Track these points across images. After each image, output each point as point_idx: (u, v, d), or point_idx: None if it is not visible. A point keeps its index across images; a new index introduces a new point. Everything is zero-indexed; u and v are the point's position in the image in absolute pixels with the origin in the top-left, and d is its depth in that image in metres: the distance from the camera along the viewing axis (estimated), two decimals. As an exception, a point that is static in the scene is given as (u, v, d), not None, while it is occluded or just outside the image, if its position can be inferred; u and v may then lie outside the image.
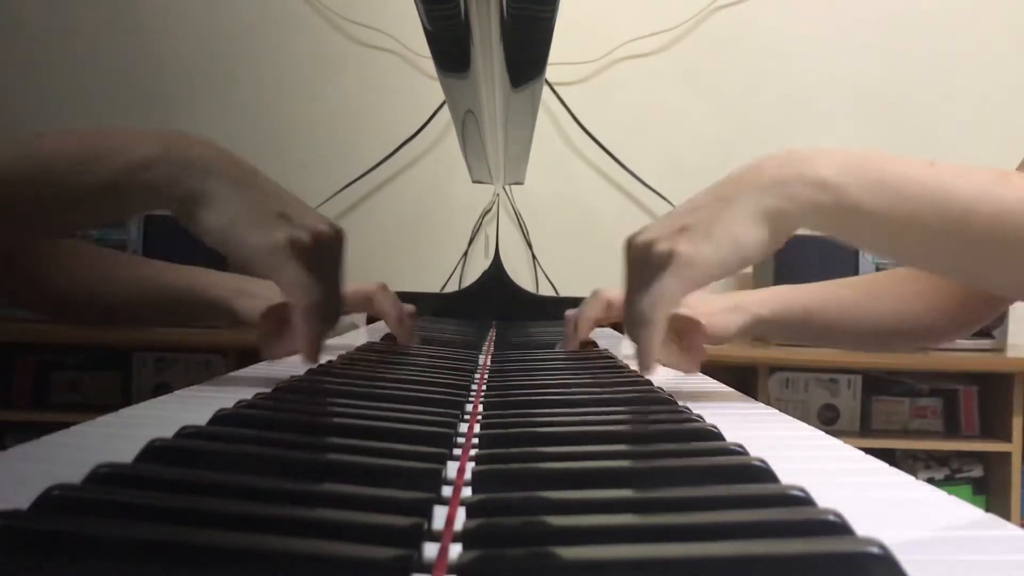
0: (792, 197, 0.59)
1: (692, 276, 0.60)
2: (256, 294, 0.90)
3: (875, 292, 0.91)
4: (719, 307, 0.92)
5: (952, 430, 2.13)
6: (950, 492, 0.39)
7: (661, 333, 0.62)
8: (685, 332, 0.86)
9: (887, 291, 0.91)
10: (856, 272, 1.98)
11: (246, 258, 0.62)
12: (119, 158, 0.60)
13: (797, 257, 1.99)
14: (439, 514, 0.33)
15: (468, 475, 0.37)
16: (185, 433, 0.41)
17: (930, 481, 0.43)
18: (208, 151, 0.63)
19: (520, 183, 1.63)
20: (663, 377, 0.75)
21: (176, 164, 0.61)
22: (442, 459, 0.40)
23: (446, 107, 1.32)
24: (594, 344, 0.98)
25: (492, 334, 1.25)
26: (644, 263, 0.62)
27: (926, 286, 0.88)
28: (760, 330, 0.89)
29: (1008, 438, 1.97)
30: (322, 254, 0.65)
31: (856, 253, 1.97)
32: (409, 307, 1.00)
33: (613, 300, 0.96)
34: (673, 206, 2.25)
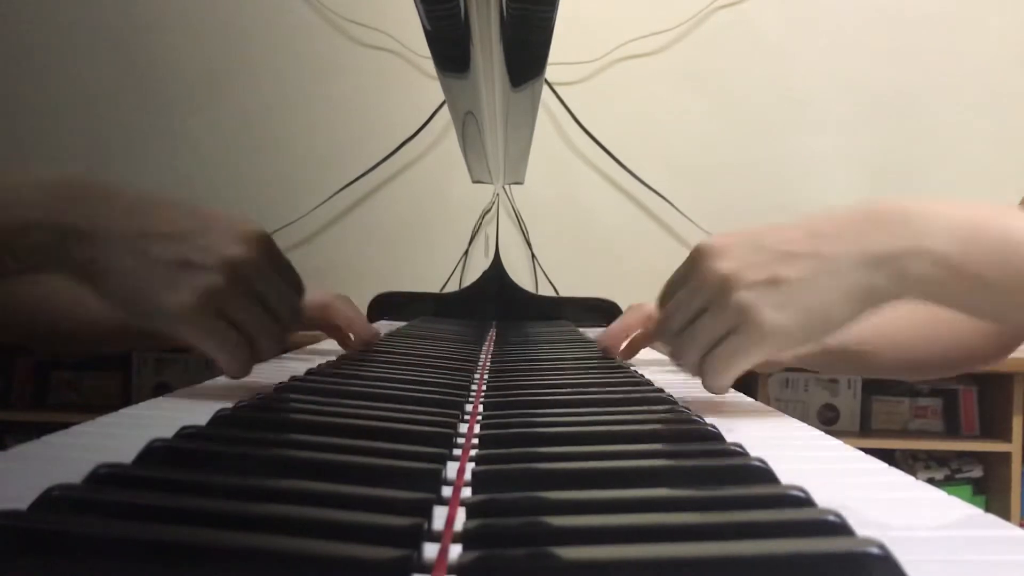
0: (903, 275, 0.54)
1: (773, 351, 0.56)
2: None
3: (923, 319, 0.88)
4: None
5: (952, 430, 2.13)
6: (950, 492, 0.39)
7: (723, 389, 0.60)
8: None
9: (934, 317, 0.89)
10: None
11: (157, 331, 0.56)
12: None
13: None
14: (439, 514, 0.33)
15: (468, 475, 0.37)
16: (185, 433, 0.41)
17: (930, 481, 0.43)
18: (91, 206, 0.55)
19: (520, 183, 1.62)
20: (663, 377, 0.75)
21: (57, 231, 0.53)
22: (442, 459, 0.40)
23: (446, 107, 1.32)
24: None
25: (492, 334, 1.25)
26: (720, 298, 0.57)
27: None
28: (815, 363, 0.84)
29: (1008, 438, 1.97)
30: (248, 278, 0.57)
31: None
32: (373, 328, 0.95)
33: (654, 314, 0.90)
34: (673, 206, 2.26)
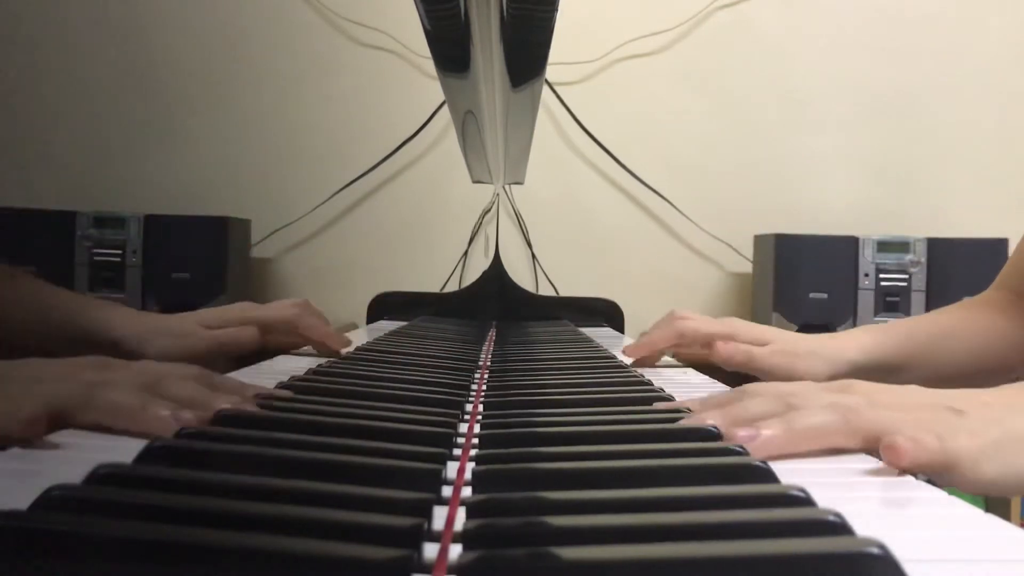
0: None
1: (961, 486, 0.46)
2: (166, 332, 0.87)
3: (958, 330, 0.87)
4: (804, 349, 0.87)
5: (952, 430, 2.13)
6: (950, 492, 0.39)
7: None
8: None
9: (968, 329, 0.87)
10: (856, 268, 1.98)
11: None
12: None
13: (797, 256, 1.99)
14: (439, 514, 0.33)
15: (468, 475, 0.37)
16: (185, 433, 0.41)
17: (930, 481, 0.43)
18: None
19: (520, 183, 1.62)
20: (662, 379, 0.75)
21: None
22: (442, 459, 0.40)
23: (446, 107, 1.32)
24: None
25: (492, 334, 1.25)
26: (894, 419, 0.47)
27: (1005, 322, 0.86)
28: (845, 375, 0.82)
29: (1008, 438, 1.97)
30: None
31: (856, 252, 1.97)
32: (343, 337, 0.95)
33: (686, 331, 0.90)
34: (673, 206, 2.26)
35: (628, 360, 0.91)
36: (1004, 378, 0.83)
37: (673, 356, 0.97)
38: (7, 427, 0.42)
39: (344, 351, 0.91)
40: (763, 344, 0.87)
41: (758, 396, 0.52)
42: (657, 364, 0.94)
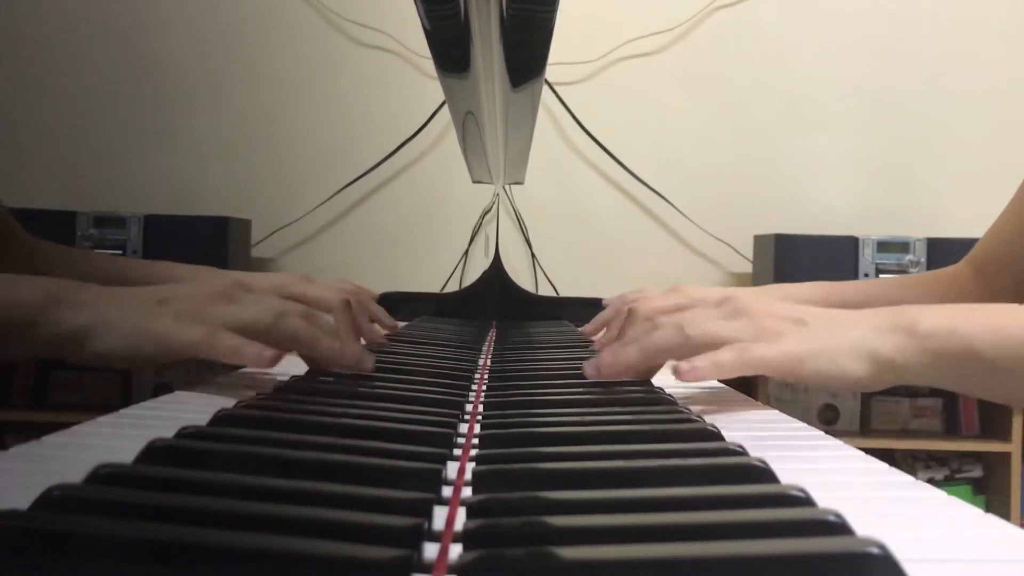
0: (910, 342, 0.57)
1: (770, 367, 0.59)
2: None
3: (897, 298, 0.90)
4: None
5: (952, 430, 2.13)
6: (950, 492, 0.39)
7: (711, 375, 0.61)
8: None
9: (911, 297, 0.91)
10: (856, 268, 1.98)
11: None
12: None
13: (797, 256, 1.99)
14: (439, 514, 0.33)
15: (468, 475, 0.37)
16: (185, 433, 0.41)
17: (930, 481, 0.44)
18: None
19: (520, 183, 1.62)
20: (662, 379, 0.74)
21: (61, 303, 0.57)
22: (442, 459, 0.40)
23: (446, 107, 1.32)
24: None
25: (492, 334, 1.25)
26: (746, 317, 0.60)
27: (955, 296, 0.88)
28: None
29: (1008, 438, 1.97)
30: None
31: (856, 252, 1.98)
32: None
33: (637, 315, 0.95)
34: (673, 206, 2.26)
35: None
36: None
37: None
38: (212, 335, 0.55)
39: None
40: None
41: (636, 324, 0.65)
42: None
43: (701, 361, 0.58)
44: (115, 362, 0.59)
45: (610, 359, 0.63)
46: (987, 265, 0.94)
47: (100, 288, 0.60)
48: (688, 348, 0.60)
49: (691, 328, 0.60)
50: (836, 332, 0.58)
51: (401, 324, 1.39)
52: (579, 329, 0.98)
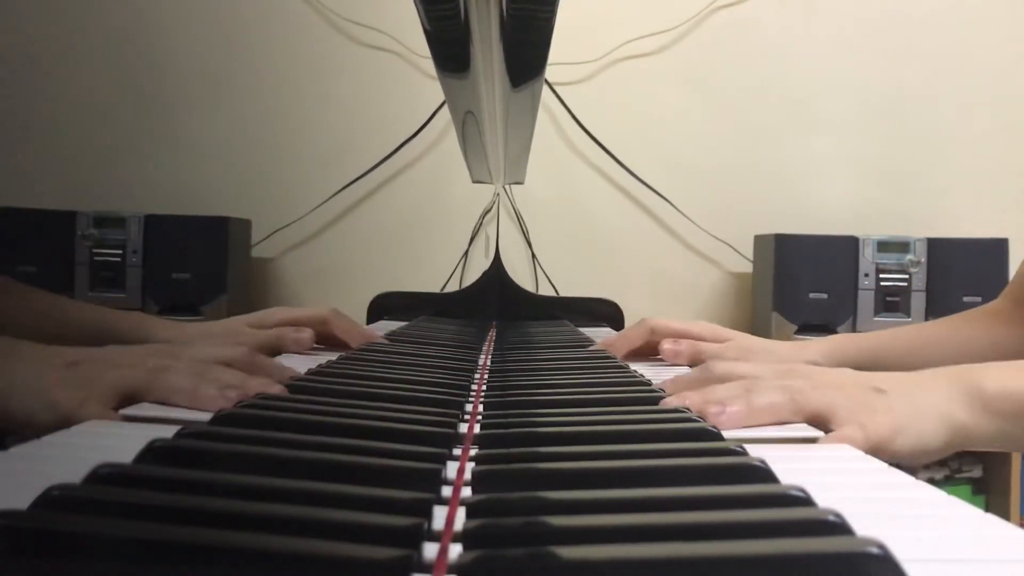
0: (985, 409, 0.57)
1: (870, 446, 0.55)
2: (208, 335, 0.91)
3: (944, 339, 0.90)
4: (760, 347, 0.93)
5: (952, 430, 2.13)
6: (950, 492, 0.39)
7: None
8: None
9: (956, 338, 0.90)
10: (856, 267, 1.98)
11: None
12: None
13: (797, 256, 1.99)
14: (439, 514, 0.33)
15: (468, 475, 0.37)
16: (185, 433, 0.41)
17: (930, 481, 0.44)
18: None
19: (520, 183, 1.62)
20: (662, 379, 0.74)
21: None
22: (442, 459, 0.40)
23: (446, 107, 1.32)
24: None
25: (492, 334, 1.25)
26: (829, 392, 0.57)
27: (1003, 332, 0.88)
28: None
29: (1008, 438, 1.97)
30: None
31: (856, 252, 1.97)
32: (368, 330, 1.02)
33: (657, 327, 0.95)
34: (673, 206, 2.26)
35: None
36: None
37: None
38: (84, 405, 0.53)
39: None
40: (723, 342, 0.92)
41: (722, 380, 0.61)
42: (657, 364, 0.94)
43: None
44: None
45: (725, 420, 0.59)
46: None
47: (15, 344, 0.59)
48: (792, 413, 0.57)
49: (799, 396, 0.57)
50: (915, 399, 0.57)
51: (401, 324, 1.39)
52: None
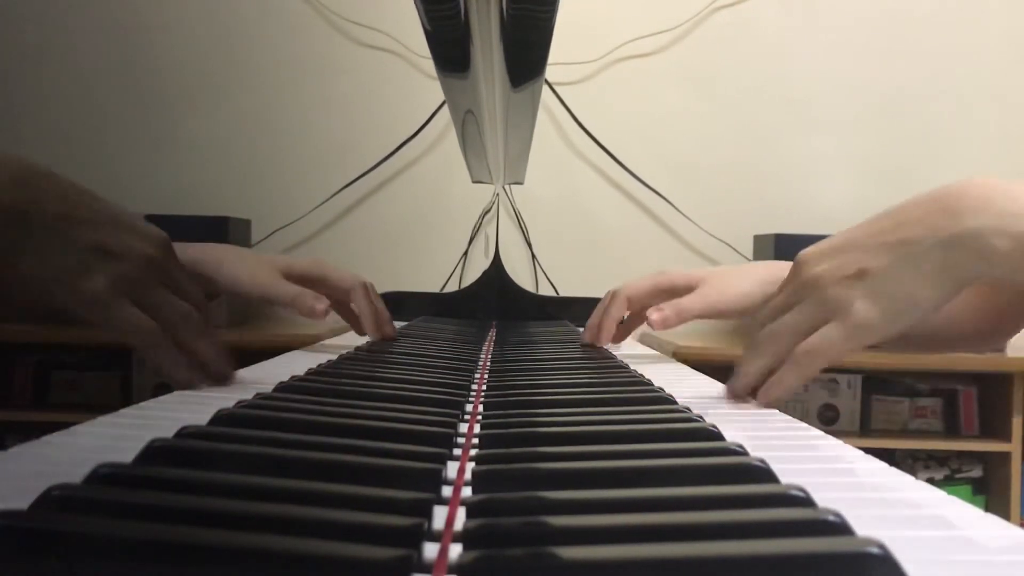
0: (986, 252, 0.54)
1: (861, 340, 0.58)
2: (240, 260, 0.91)
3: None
4: (735, 274, 0.92)
5: (952, 430, 2.13)
6: (950, 492, 0.39)
7: (803, 380, 0.60)
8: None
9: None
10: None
11: (71, 311, 0.58)
12: None
13: (795, 255, 1.99)
14: (439, 514, 0.33)
15: (468, 475, 0.37)
16: (185, 433, 0.41)
17: (930, 481, 0.44)
18: (28, 187, 0.57)
19: (520, 183, 1.62)
20: (662, 378, 0.74)
21: None
22: (442, 459, 0.40)
23: (446, 107, 1.32)
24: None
25: (492, 334, 1.25)
26: (813, 293, 0.59)
27: (975, 294, 0.87)
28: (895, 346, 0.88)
29: (1008, 438, 1.97)
30: (160, 270, 0.61)
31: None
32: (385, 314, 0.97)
33: (631, 295, 0.95)
34: (673, 206, 2.26)
35: (599, 343, 0.98)
36: (969, 347, 0.86)
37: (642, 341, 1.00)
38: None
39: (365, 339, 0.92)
40: (697, 284, 0.92)
41: (756, 358, 0.63)
42: (657, 363, 0.94)
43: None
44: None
45: (776, 391, 0.62)
46: None
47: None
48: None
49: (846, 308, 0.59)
50: (906, 266, 0.57)
51: (401, 324, 1.39)
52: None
